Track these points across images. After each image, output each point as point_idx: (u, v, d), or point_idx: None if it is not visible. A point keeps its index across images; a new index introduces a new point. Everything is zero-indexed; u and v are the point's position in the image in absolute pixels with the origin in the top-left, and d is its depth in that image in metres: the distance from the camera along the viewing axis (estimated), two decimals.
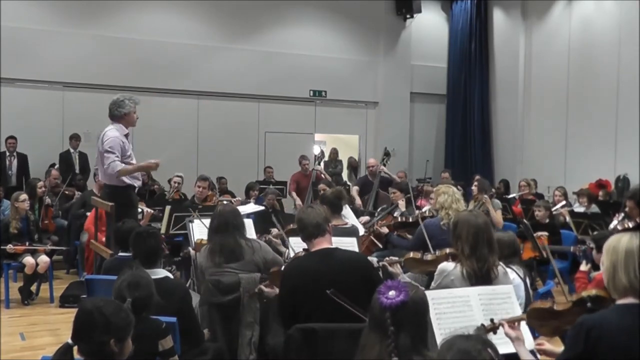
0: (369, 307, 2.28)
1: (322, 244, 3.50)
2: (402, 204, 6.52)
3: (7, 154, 10.01)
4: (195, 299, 4.15)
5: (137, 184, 5.90)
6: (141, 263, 3.71)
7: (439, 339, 2.75)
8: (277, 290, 3.75)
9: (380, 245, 6.06)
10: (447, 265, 3.49)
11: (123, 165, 5.60)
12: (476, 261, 3.38)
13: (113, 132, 5.64)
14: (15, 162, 10.08)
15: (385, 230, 5.99)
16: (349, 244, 4.47)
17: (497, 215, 7.39)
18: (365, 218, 6.94)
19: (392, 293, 2.18)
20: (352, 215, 5.96)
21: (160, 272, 3.70)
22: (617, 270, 2.40)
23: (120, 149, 5.61)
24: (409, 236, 5.90)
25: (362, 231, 5.79)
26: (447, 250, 3.76)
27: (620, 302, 2.41)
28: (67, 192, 9.15)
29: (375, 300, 2.23)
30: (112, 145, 5.57)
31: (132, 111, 5.74)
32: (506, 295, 3.19)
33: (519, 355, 2.70)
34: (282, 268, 3.84)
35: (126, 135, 5.77)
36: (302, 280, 3.39)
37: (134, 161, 5.80)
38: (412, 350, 2.14)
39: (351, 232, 5.08)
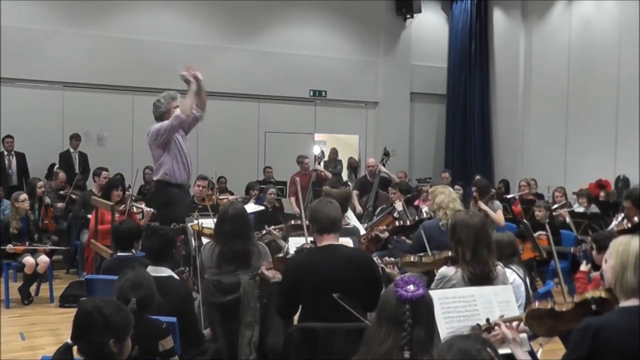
0: (378, 304, 2.29)
1: (330, 240, 3.54)
2: (398, 204, 6.50)
3: (6, 153, 10.01)
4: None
5: (182, 179, 5.80)
6: (149, 260, 3.73)
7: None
8: (278, 275, 3.78)
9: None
10: (448, 271, 3.45)
11: (179, 110, 5.64)
12: (477, 265, 3.35)
13: (155, 125, 5.71)
14: (14, 161, 10.08)
15: (385, 234, 5.99)
16: (346, 243, 4.46)
17: (498, 215, 7.37)
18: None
19: (411, 287, 2.20)
20: (353, 216, 5.96)
21: (165, 271, 3.70)
22: (626, 271, 2.40)
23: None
24: (408, 241, 5.90)
25: (362, 232, 5.80)
26: (444, 255, 3.70)
27: (624, 304, 2.41)
28: (73, 196, 9.14)
29: (389, 294, 2.23)
30: (159, 125, 5.63)
31: (170, 107, 5.75)
32: (508, 297, 3.18)
33: (516, 357, 2.69)
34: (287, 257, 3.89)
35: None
36: (304, 272, 3.43)
37: (187, 149, 5.85)
38: (423, 346, 2.15)
39: (352, 232, 5.09)
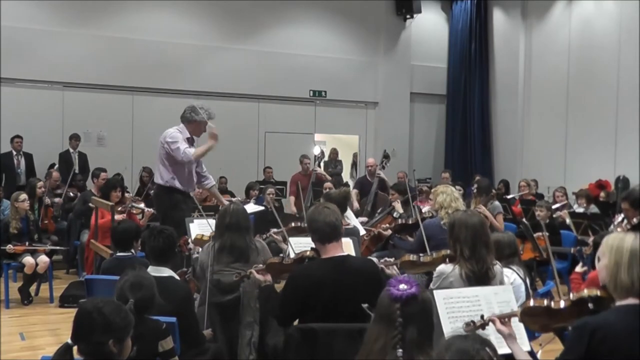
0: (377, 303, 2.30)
1: (335, 249, 3.37)
2: (398, 205, 6.50)
3: (14, 153, 10.06)
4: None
5: (187, 187, 5.84)
6: (151, 260, 3.73)
7: None
8: (268, 278, 3.65)
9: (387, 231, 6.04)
10: (446, 268, 3.48)
11: (194, 149, 5.70)
12: (475, 262, 3.37)
13: (171, 129, 5.75)
14: (23, 161, 10.13)
15: (388, 232, 5.98)
16: (345, 243, 4.46)
17: (498, 220, 7.27)
18: (363, 219, 6.92)
19: (402, 286, 2.23)
20: (353, 216, 5.96)
21: (165, 271, 3.70)
22: (620, 270, 2.39)
23: (182, 141, 5.68)
24: (410, 238, 5.90)
25: (362, 232, 5.79)
26: (443, 252, 3.71)
27: (620, 303, 2.40)
28: (71, 194, 9.12)
29: (384, 293, 2.26)
30: (172, 136, 5.65)
31: (202, 122, 5.79)
32: (508, 297, 3.18)
33: (513, 352, 2.68)
34: (283, 260, 3.81)
35: (190, 140, 5.77)
36: (312, 289, 3.28)
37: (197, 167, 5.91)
38: (417, 346, 2.16)
39: (352, 232, 5.09)
